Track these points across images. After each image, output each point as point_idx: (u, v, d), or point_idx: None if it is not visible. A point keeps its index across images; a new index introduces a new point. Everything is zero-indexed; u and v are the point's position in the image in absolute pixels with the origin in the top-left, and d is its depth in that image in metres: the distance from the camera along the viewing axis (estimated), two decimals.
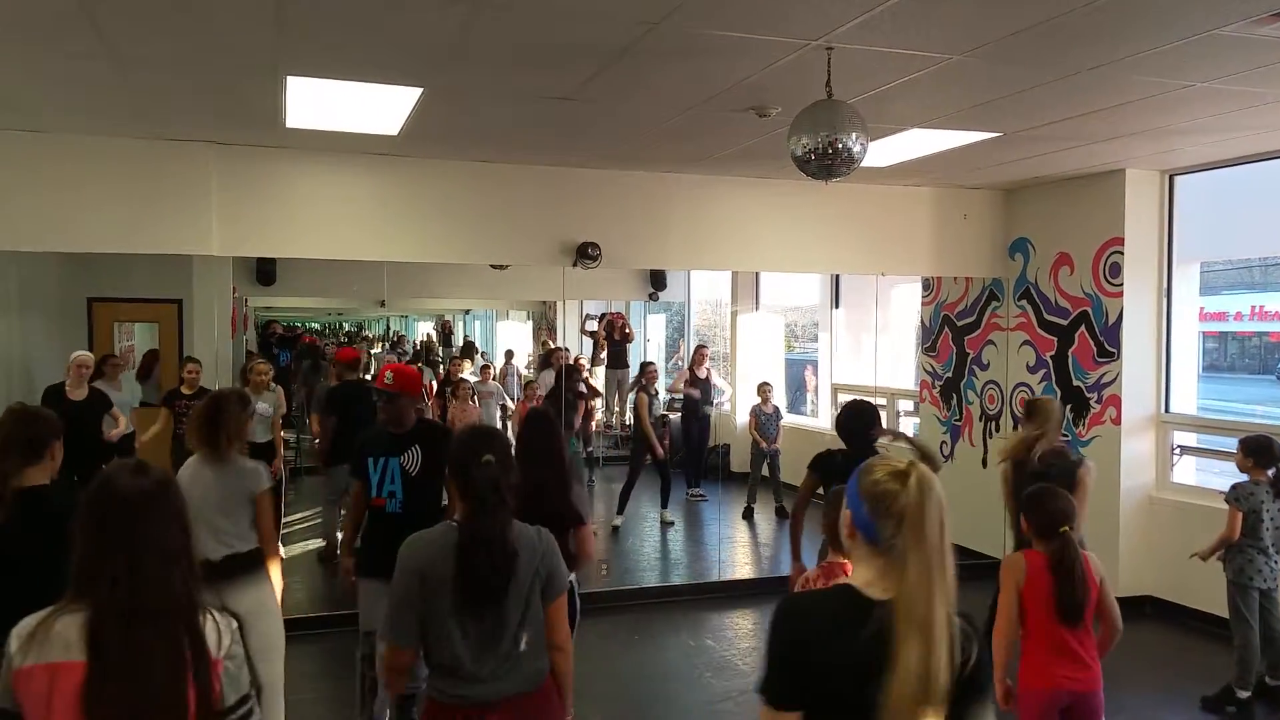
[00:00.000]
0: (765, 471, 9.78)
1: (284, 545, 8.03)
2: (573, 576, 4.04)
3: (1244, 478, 5.04)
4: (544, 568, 2.64)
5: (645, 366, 9.68)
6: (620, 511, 9.27)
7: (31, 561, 2.60)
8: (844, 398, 10.36)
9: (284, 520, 9.02)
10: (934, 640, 1.67)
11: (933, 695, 1.66)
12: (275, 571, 4.16)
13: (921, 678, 1.65)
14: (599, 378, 12.10)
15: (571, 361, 10.31)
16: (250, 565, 4.02)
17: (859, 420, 4.59)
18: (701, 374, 10.03)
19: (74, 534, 1.82)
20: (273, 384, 8.14)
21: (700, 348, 10.44)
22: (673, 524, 9.43)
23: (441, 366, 12.78)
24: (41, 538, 2.61)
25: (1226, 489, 5.13)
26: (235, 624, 1.90)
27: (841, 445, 4.61)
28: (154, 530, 1.82)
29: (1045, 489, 3.57)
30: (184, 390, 7.41)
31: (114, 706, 1.72)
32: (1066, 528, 3.36)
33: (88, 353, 7.41)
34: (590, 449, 11.62)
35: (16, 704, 1.76)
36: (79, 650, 1.74)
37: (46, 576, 2.09)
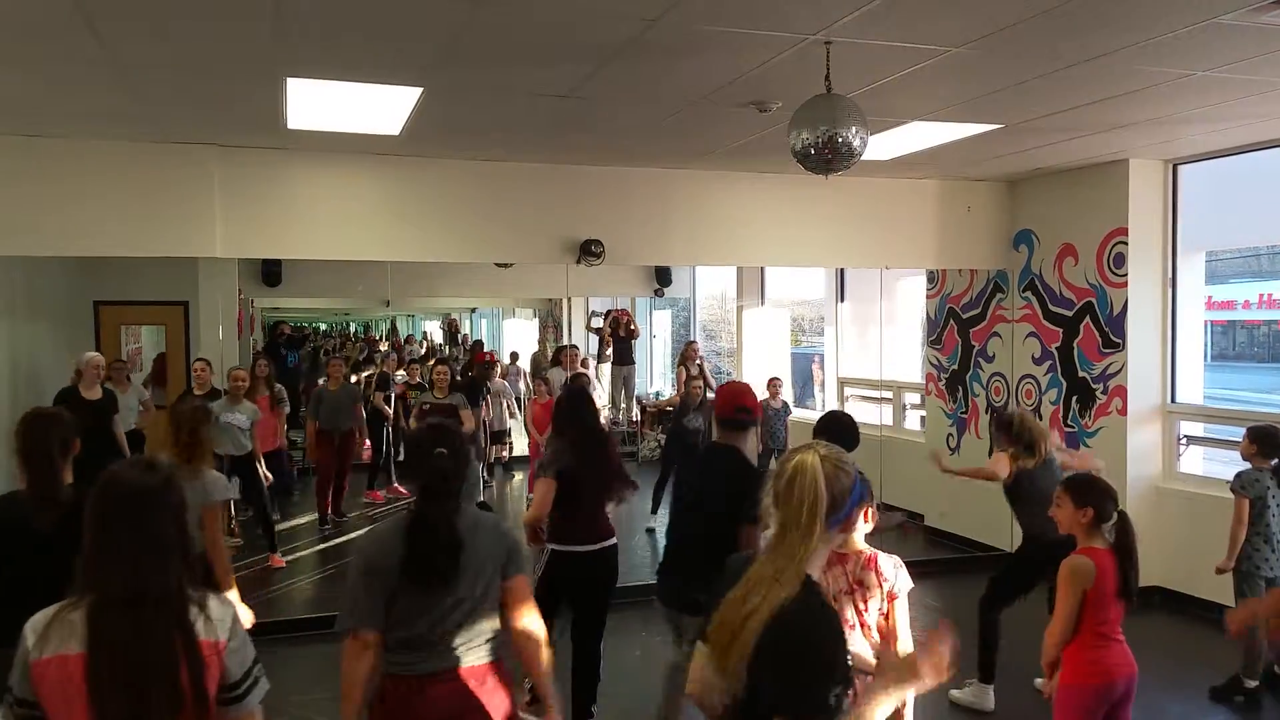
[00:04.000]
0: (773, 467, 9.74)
1: (288, 545, 8.10)
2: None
3: (1245, 466, 5.03)
4: (503, 552, 2.73)
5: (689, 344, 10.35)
6: (654, 511, 8.74)
7: None
8: (850, 391, 10.38)
9: (286, 521, 9.09)
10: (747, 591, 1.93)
11: (733, 651, 1.90)
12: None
13: (728, 626, 1.93)
14: (605, 374, 12.11)
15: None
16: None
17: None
18: (694, 371, 9.91)
19: (84, 528, 1.87)
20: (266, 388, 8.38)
21: (689, 343, 10.31)
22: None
23: (457, 363, 12.83)
24: None
25: (1230, 478, 5.12)
26: (232, 607, 1.97)
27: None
28: (152, 525, 1.88)
29: (1087, 478, 3.55)
30: (196, 390, 7.45)
31: (112, 694, 1.77)
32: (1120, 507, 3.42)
33: (99, 354, 7.54)
34: None
35: (35, 695, 1.81)
36: (84, 641, 1.80)
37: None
